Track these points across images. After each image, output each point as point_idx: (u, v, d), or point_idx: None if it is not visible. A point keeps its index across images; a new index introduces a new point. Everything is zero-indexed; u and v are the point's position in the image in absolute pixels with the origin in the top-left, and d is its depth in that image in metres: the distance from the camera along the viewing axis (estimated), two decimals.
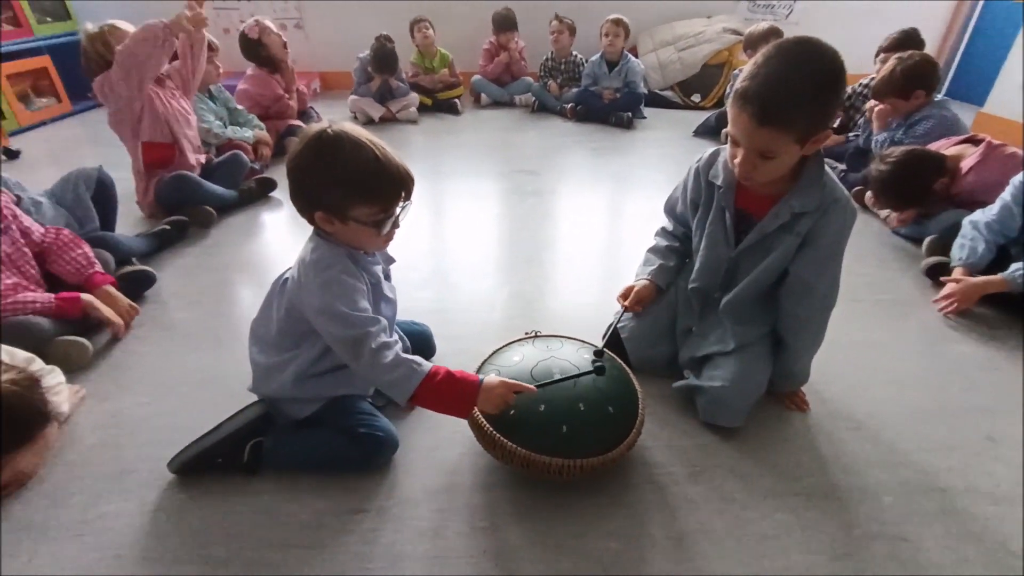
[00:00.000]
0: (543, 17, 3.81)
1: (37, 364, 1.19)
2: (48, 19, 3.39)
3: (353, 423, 1.05)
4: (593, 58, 3.55)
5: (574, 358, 1.10)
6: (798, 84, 0.88)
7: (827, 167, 1.04)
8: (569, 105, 3.56)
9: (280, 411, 1.09)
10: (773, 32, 2.85)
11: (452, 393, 0.94)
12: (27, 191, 1.63)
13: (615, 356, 1.17)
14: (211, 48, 2.31)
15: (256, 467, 1.06)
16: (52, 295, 1.36)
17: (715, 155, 1.15)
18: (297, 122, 2.92)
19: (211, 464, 1.05)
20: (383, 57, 3.28)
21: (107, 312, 1.42)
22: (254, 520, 0.98)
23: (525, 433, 0.96)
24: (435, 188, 2.48)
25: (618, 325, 1.32)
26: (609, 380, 1.07)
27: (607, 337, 1.23)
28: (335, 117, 3.30)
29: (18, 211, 1.45)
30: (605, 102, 3.44)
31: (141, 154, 2.00)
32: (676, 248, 1.31)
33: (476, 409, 1.00)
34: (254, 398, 1.12)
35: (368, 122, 3.36)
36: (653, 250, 1.33)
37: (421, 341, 1.32)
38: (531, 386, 0.97)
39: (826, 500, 1.03)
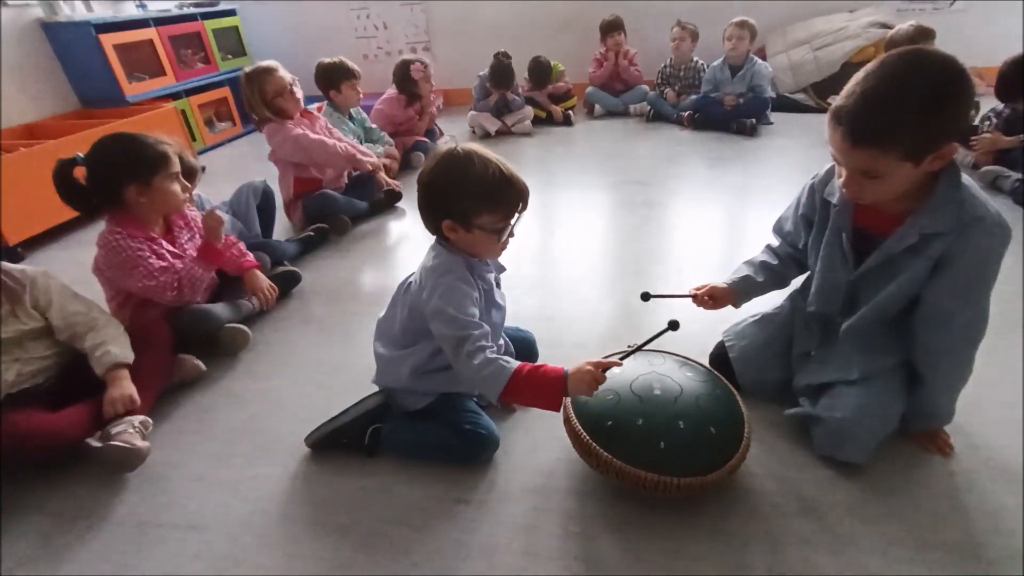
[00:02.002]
0: (662, 24, 3.75)
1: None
2: (229, 56, 4.04)
3: (460, 419, 1.14)
4: (715, 63, 3.41)
5: (676, 374, 1.08)
6: (897, 101, 0.81)
7: (969, 181, 0.92)
8: (686, 113, 3.45)
9: (397, 402, 1.21)
10: (921, 34, 2.52)
11: (540, 385, 0.96)
12: (207, 206, 1.95)
13: (720, 376, 1.13)
14: (354, 76, 2.63)
15: (374, 450, 1.18)
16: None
17: (833, 171, 1.07)
18: (423, 139, 3.18)
19: (338, 443, 1.20)
20: (501, 72, 3.44)
21: (263, 287, 1.70)
22: (371, 496, 1.11)
23: (621, 445, 0.98)
24: (546, 199, 2.54)
25: (727, 344, 1.27)
26: (712, 400, 1.05)
27: (661, 296, 1.22)
28: (455, 132, 3.55)
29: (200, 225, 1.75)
30: (726, 108, 3.28)
31: (293, 186, 2.35)
32: (771, 266, 1.22)
33: (573, 416, 1.03)
34: (376, 388, 1.26)
35: (485, 136, 3.54)
36: (748, 261, 1.26)
37: (525, 347, 1.38)
38: (616, 360, 0.97)
39: (971, 561, 0.91)
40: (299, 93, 2.30)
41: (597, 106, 3.87)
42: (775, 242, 1.26)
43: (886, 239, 0.98)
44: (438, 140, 3.33)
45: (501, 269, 1.22)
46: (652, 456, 0.95)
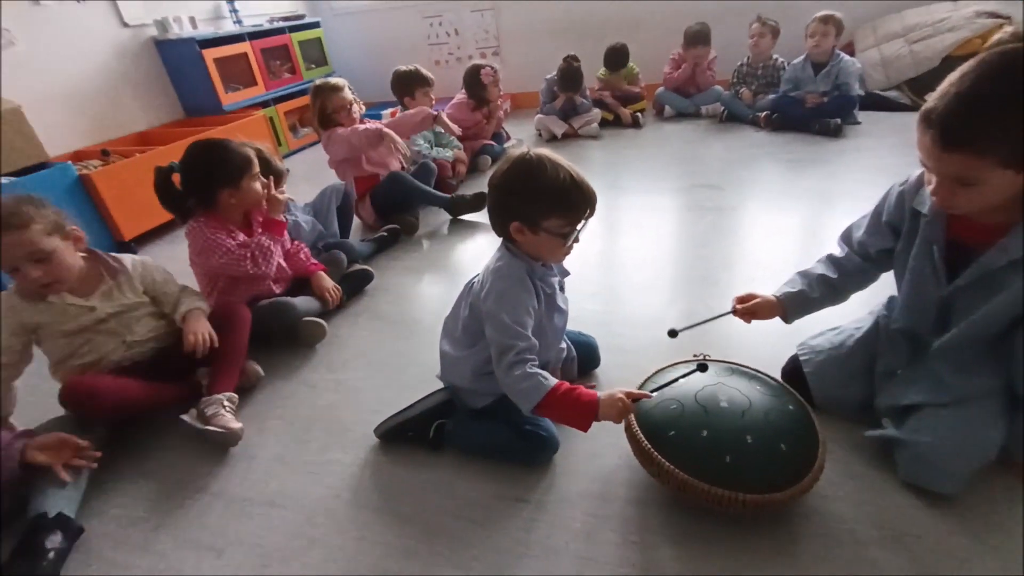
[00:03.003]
0: (737, 20, 3.60)
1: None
2: (313, 66, 4.30)
3: (520, 420, 1.16)
4: (796, 61, 3.24)
5: (745, 387, 1.05)
6: (995, 103, 0.75)
7: None
8: (763, 113, 3.29)
9: (461, 399, 1.25)
10: None
11: (573, 407, 0.99)
12: (293, 212, 2.07)
13: (793, 391, 1.08)
14: (428, 83, 2.74)
15: (438, 444, 1.23)
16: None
17: (923, 177, 0.99)
18: (490, 142, 3.24)
19: (405, 436, 1.26)
20: (569, 75, 3.44)
21: (328, 285, 1.81)
22: (434, 489, 1.15)
23: (684, 456, 0.96)
24: (611, 202, 2.52)
25: (802, 359, 1.21)
26: (784, 416, 1.00)
27: (690, 327, 1.16)
28: (522, 135, 3.59)
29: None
30: (807, 108, 3.10)
31: (355, 186, 2.47)
32: (830, 281, 1.14)
33: (635, 424, 1.02)
34: (441, 384, 1.31)
35: (551, 138, 3.55)
36: (803, 272, 1.19)
37: (587, 352, 1.39)
38: (648, 392, 1.01)
39: None
40: (356, 113, 2.44)
41: (667, 107, 3.78)
42: (839, 252, 1.18)
43: (983, 253, 0.90)
44: (505, 143, 3.38)
45: (565, 273, 1.23)
46: (717, 469, 0.93)
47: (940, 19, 3.24)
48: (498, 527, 1.05)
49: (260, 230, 1.71)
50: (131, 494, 1.24)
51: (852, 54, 3.36)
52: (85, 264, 1.36)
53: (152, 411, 1.38)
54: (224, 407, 1.35)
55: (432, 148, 2.88)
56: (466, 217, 2.51)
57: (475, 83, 3.11)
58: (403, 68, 2.82)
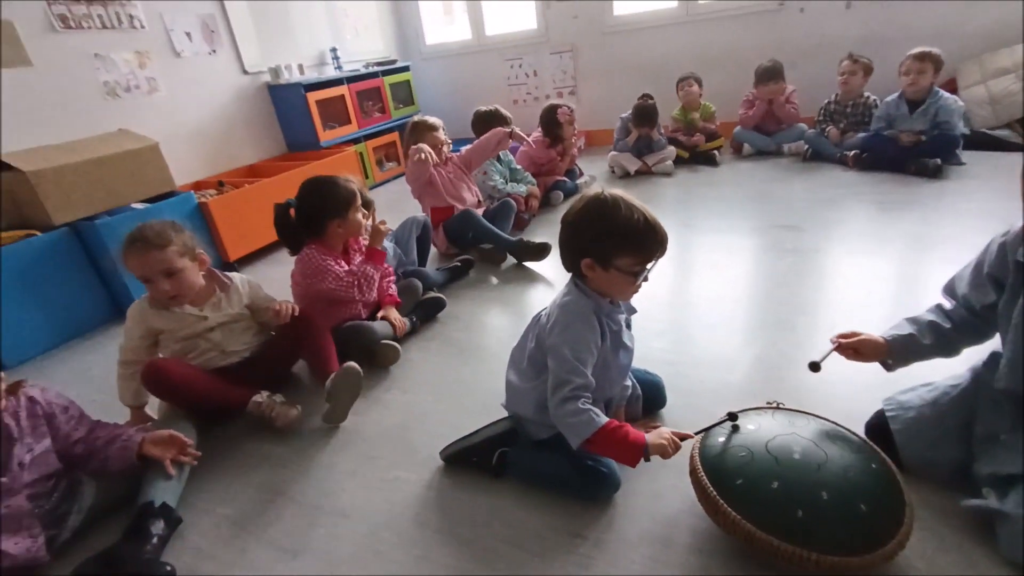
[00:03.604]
0: (825, 55, 3.50)
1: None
2: (401, 105, 4.64)
3: (582, 455, 1.16)
4: (889, 98, 3.08)
5: (822, 440, 1.00)
6: None
7: None
8: (852, 153, 3.14)
9: (524, 429, 1.28)
10: None
11: (620, 444, 1.02)
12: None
13: (878, 449, 1.02)
14: (506, 122, 2.90)
15: (500, 472, 1.26)
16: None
17: None
18: (563, 178, 3.32)
19: (468, 461, 1.30)
20: (644, 112, 3.48)
21: (393, 317, 1.90)
22: (494, 515, 1.18)
23: (752, 506, 0.93)
24: (683, 241, 2.49)
25: (889, 415, 1.14)
26: (865, 474, 0.95)
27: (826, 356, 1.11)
28: (595, 171, 3.64)
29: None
30: (902, 147, 2.93)
31: (431, 215, 2.61)
32: (942, 330, 1.07)
33: (700, 469, 1.00)
34: (505, 412, 1.34)
35: (624, 175, 3.58)
36: (912, 319, 1.12)
37: (653, 391, 1.37)
38: (691, 433, 1.06)
39: None
40: (446, 151, 2.62)
41: (746, 145, 3.70)
42: (946, 303, 1.11)
43: None
44: (578, 179, 3.44)
45: (632, 311, 1.24)
46: (787, 524, 0.89)
47: None
48: (555, 561, 1.06)
49: (361, 258, 1.87)
50: (220, 492, 1.36)
51: (954, 91, 3.16)
52: (206, 282, 1.58)
53: (216, 406, 1.52)
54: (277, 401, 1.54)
55: (507, 183, 3.00)
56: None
57: (551, 121, 3.22)
58: (484, 108, 2.99)
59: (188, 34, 3.25)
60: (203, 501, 1.34)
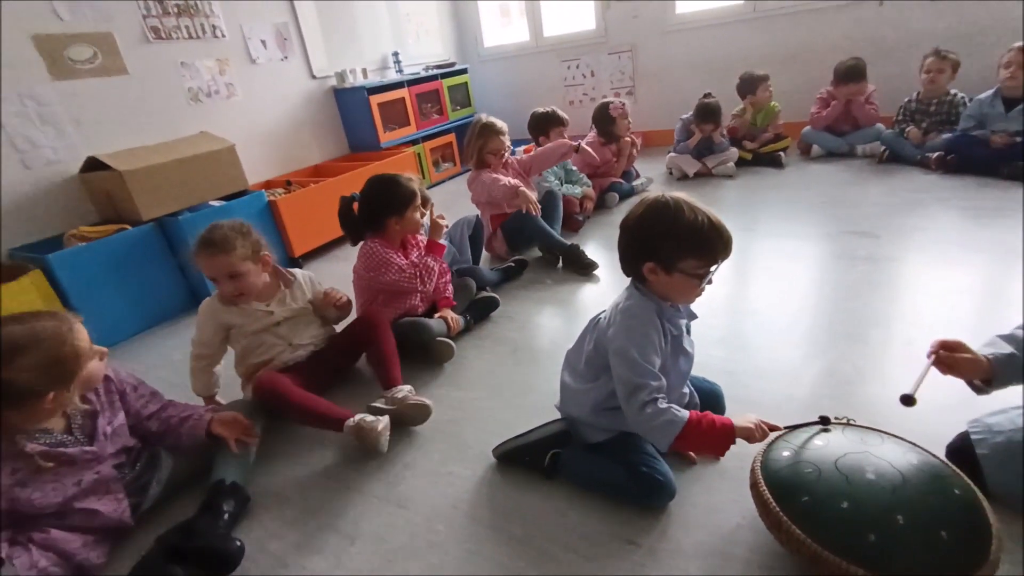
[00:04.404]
0: (905, 52, 3.28)
1: None
2: (458, 107, 4.72)
3: (636, 461, 1.15)
4: (982, 96, 2.85)
5: (899, 461, 0.94)
6: None
7: None
8: (935, 154, 2.93)
9: (577, 431, 1.27)
10: None
11: (709, 433, 1.03)
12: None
13: (961, 474, 0.95)
14: (563, 124, 2.88)
15: (553, 474, 1.26)
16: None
17: None
18: (619, 180, 3.28)
19: (521, 460, 1.31)
20: (707, 110, 3.38)
21: (449, 316, 1.93)
22: (546, 516, 1.18)
23: (819, 526, 0.88)
24: (744, 246, 2.40)
25: (975, 438, 1.06)
26: (947, 500, 0.89)
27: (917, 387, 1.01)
28: (652, 174, 3.57)
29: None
30: (993, 149, 2.70)
31: (491, 222, 2.63)
32: None
33: (763, 483, 0.97)
34: (557, 413, 1.34)
35: (683, 177, 3.49)
36: (1009, 337, 1.03)
37: (712, 399, 1.33)
38: (780, 425, 1.06)
39: None
40: (506, 157, 2.63)
41: (815, 147, 3.52)
42: None
43: None
44: (634, 181, 3.39)
45: (692, 316, 1.21)
46: (857, 547, 0.84)
47: None
48: (608, 566, 1.05)
49: (422, 252, 1.94)
50: (287, 477, 1.44)
51: None
52: (271, 279, 1.67)
53: (314, 421, 1.53)
54: (408, 391, 1.57)
55: (562, 185, 2.99)
56: (589, 253, 2.53)
57: (604, 118, 3.18)
58: (540, 110, 3.00)
59: (263, 42, 3.45)
60: (273, 484, 1.42)
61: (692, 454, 1.26)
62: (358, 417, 1.44)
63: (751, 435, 1.03)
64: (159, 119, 2.91)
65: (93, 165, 2.53)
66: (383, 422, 1.42)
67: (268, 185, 3.38)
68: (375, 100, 3.87)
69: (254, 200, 2.86)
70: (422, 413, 1.51)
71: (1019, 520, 0.98)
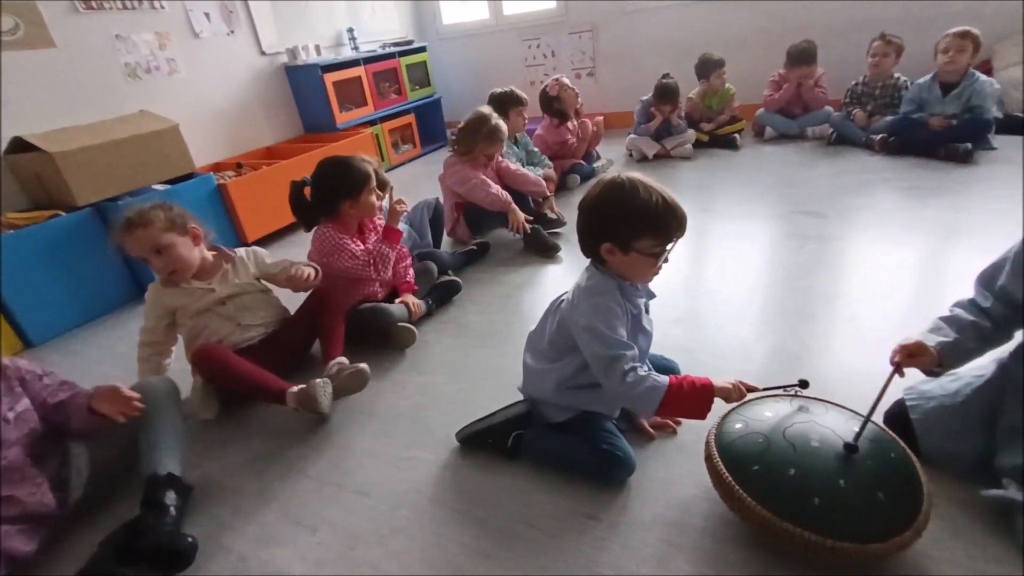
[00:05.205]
0: (854, 36, 3.39)
1: None
2: (417, 87, 4.61)
3: (597, 438, 1.18)
4: (921, 80, 2.98)
5: (841, 428, 0.99)
6: None
7: None
8: (879, 136, 3.06)
9: (540, 412, 1.29)
10: None
11: (690, 395, 1.04)
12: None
13: (897, 439, 1.01)
14: (522, 103, 2.85)
15: (516, 454, 1.27)
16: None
17: None
18: (580, 161, 3.29)
19: (484, 443, 1.32)
20: (666, 90, 3.41)
21: (410, 301, 1.91)
22: (510, 496, 1.19)
23: (768, 493, 0.93)
24: (701, 226, 2.46)
25: (909, 404, 1.12)
26: (884, 464, 0.94)
27: (873, 405, 1.02)
28: (612, 155, 3.59)
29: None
30: (932, 131, 2.84)
31: (454, 208, 2.58)
32: (985, 330, 1.03)
33: (716, 455, 1.00)
34: (520, 395, 1.35)
35: (642, 159, 3.53)
36: (950, 320, 1.07)
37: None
38: (758, 387, 1.09)
39: None
40: (495, 161, 2.57)
41: (768, 128, 3.62)
42: (981, 299, 1.07)
43: None
44: (595, 163, 3.40)
45: (651, 295, 1.23)
46: (804, 511, 0.89)
47: None
48: (570, 542, 1.07)
49: (377, 237, 1.89)
50: (241, 466, 1.40)
51: (989, 73, 3.04)
52: (212, 257, 1.63)
53: (255, 391, 1.52)
54: (342, 362, 1.58)
55: (524, 166, 2.97)
56: (554, 235, 2.54)
57: (547, 100, 3.16)
58: (499, 90, 2.95)
59: (207, 14, 3.25)
60: (227, 476, 1.38)
61: (651, 430, 1.29)
62: (297, 387, 1.45)
63: (729, 395, 1.05)
64: (93, 97, 2.72)
65: (20, 146, 2.35)
66: (326, 384, 1.45)
67: (217, 168, 3.22)
68: (329, 78, 3.73)
69: (202, 183, 2.73)
70: (359, 380, 1.52)
71: (947, 479, 1.05)
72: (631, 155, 3.63)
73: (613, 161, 3.55)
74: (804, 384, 1.09)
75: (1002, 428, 1.02)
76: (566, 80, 3.19)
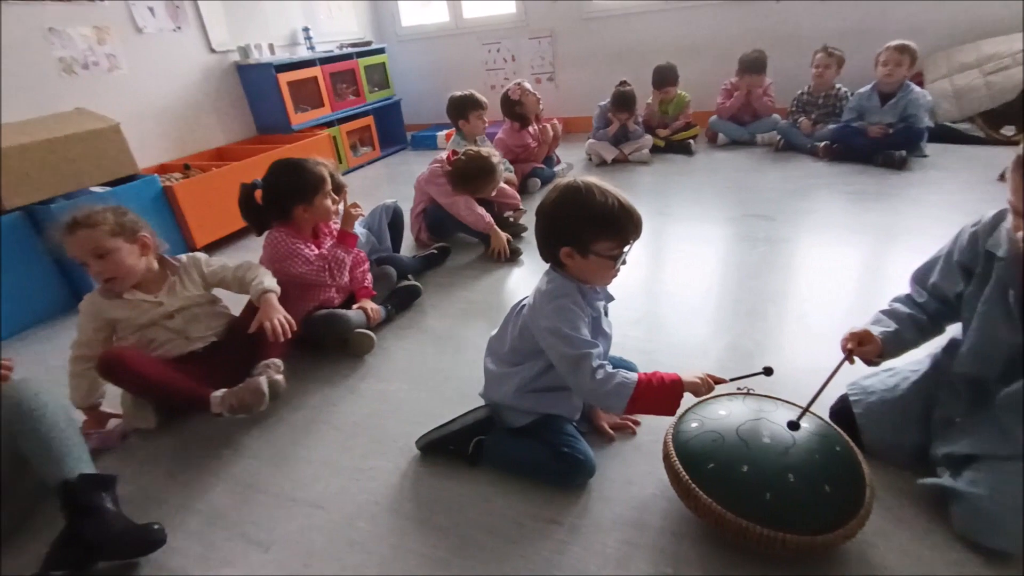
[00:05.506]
0: (799, 47, 3.55)
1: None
2: (376, 88, 4.53)
3: (558, 441, 1.18)
4: (862, 90, 3.14)
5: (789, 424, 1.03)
6: None
7: None
8: (822, 143, 3.21)
9: (501, 417, 1.28)
10: None
11: (661, 392, 1.05)
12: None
13: (842, 432, 1.05)
14: (482, 107, 2.84)
15: (477, 460, 1.26)
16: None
17: (999, 218, 0.96)
18: (540, 165, 3.31)
19: (445, 449, 1.30)
20: (623, 98, 3.47)
21: (369, 307, 1.86)
22: (470, 503, 1.18)
23: (723, 490, 0.95)
24: (658, 229, 2.51)
25: (852, 399, 1.17)
26: (830, 456, 0.98)
27: (818, 392, 1.06)
28: (572, 159, 3.63)
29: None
30: (870, 139, 3.01)
31: (421, 214, 2.55)
32: (921, 322, 1.09)
33: (674, 454, 1.02)
34: (482, 401, 1.34)
35: (601, 163, 3.59)
36: (889, 312, 1.13)
37: None
38: (725, 378, 1.09)
39: None
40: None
41: (721, 135, 3.74)
42: (917, 295, 1.13)
43: None
44: (556, 167, 3.43)
45: (609, 298, 1.25)
46: (756, 507, 0.91)
47: (1019, 50, 3.08)
48: (531, 547, 1.07)
49: (333, 242, 1.84)
50: (188, 485, 1.33)
51: (921, 84, 3.24)
52: (158, 268, 1.54)
53: (175, 400, 1.46)
54: (271, 368, 1.50)
55: None
56: (515, 240, 2.53)
57: (509, 103, 3.18)
58: (458, 93, 2.94)
59: (151, 9, 3.11)
60: (171, 494, 1.31)
61: (611, 432, 1.30)
62: (221, 392, 1.41)
63: (698, 388, 1.06)
64: (23, 93, 2.55)
65: None
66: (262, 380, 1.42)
67: (163, 169, 3.08)
68: (284, 78, 3.62)
69: (146, 186, 2.60)
70: (256, 397, 1.42)
71: (888, 470, 1.10)
72: (590, 159, 3.68)
73: (573, 165, 3.59)
74: (768, 371, 1.10)
75: (936, 420, 1.08)
76: (527, 85, 3.21)
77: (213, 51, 3.51)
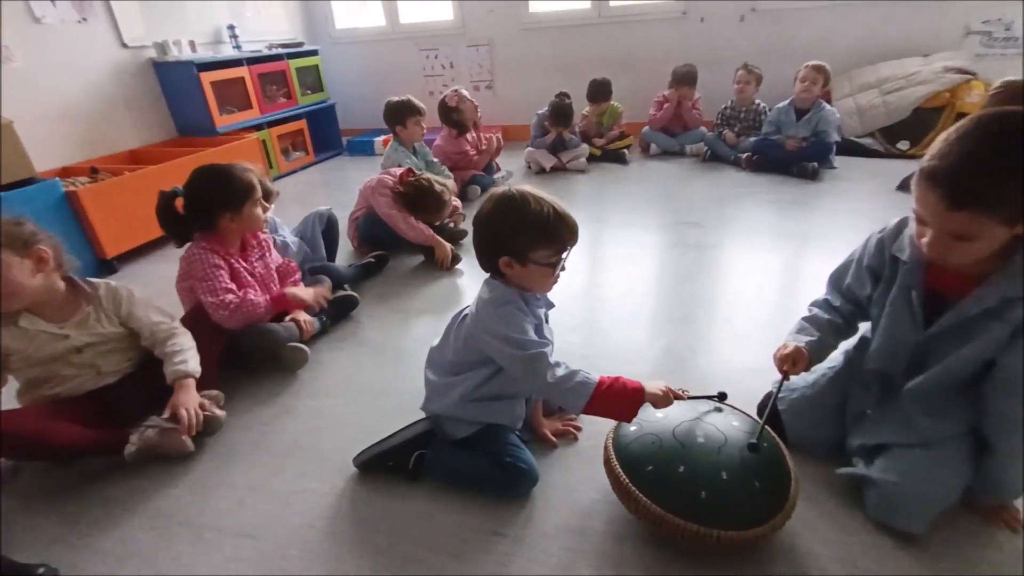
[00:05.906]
0: (723, 65, 3.77)
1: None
2: (308, 91, 4.37)
3: (501, 451, 1.17)
4: (780, 105, 3.37)
5: (721, 423, 1.07)
6: (999, 163, 0.79)
7: None
8: (745, 155, 3.42)
9: (443, 429, 1.25)
10: None
11: (621, 395, 1.04)
12: (281, 233, 2.11)
13: (769, 430, 1.10)
14: (420, 113, 2.80)
15: (417, 475, 1.22)
16: (267, 296, 1.69)
17: (902, 225, 1.05)
18: (480, 172, 3.30)
19: (384, 465, 1.25)
20: (560, 111, 3.54)
21: (301, 319, 1.77)
22: (411, 521, 1.14)
23: (662, 491, 0.97)
24: (595, 235, 2.57)
25: (779, 396, 1.24)
26: (759, 454, 1.02)
27: (768, 410, 1.12)
28: (512, 167, 3.65)
29: (271, 245, 1.89)
30: (787, 151, 3.23)
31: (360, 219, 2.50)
32: (838, 326, 1.17)
33: (614, 458, 1.03)
34: (422, 414, 1.31)
35: (540, 171, 3.63)
36: (811, 320, 1.20)
37: None
38: (683, 394, 1.08)
39: None
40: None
41: (653, 145, 3.90)
42: (832, 298, 1.21)
43: (958, 300, 0.94)
44: (495, 174, 3.44)
45: (550, 305, 1.25)
46: (692, 505, 0.94)
47: (911, 72, 3.42)
48: (474, 561, 1.04)
49: (265, 252, 1.74)
50: (100, 523, 1.20)
51: (829, 102, 3.52)
52: (64, 290, 1.35)
53: (88, 454, 1.33)
54: (208, 399, 1.40)
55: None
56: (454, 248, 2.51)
57: (446, 110, 3.17)
58: (395, 99, 2.88)
59: None
60: (79, 536, 1.17)
61: (554, 438, 1.31)
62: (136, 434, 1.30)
63: (657, 400, 1.05)
64: None
65: None
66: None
67: (66, 173, 2.81)
68: (207, 78, 3.41)
69: (45, 190, 2.35)
70: (172, 442, 1.32)
71: (810, 462, 1.17)
72: (529, 167, 3.72)
73: (512, 173, 3.61)
74: (723, 396, 1.12)
75: (850, 413, 1.16)
76: (465, 92, 3.20)
77: (125, 46, 3.25)
